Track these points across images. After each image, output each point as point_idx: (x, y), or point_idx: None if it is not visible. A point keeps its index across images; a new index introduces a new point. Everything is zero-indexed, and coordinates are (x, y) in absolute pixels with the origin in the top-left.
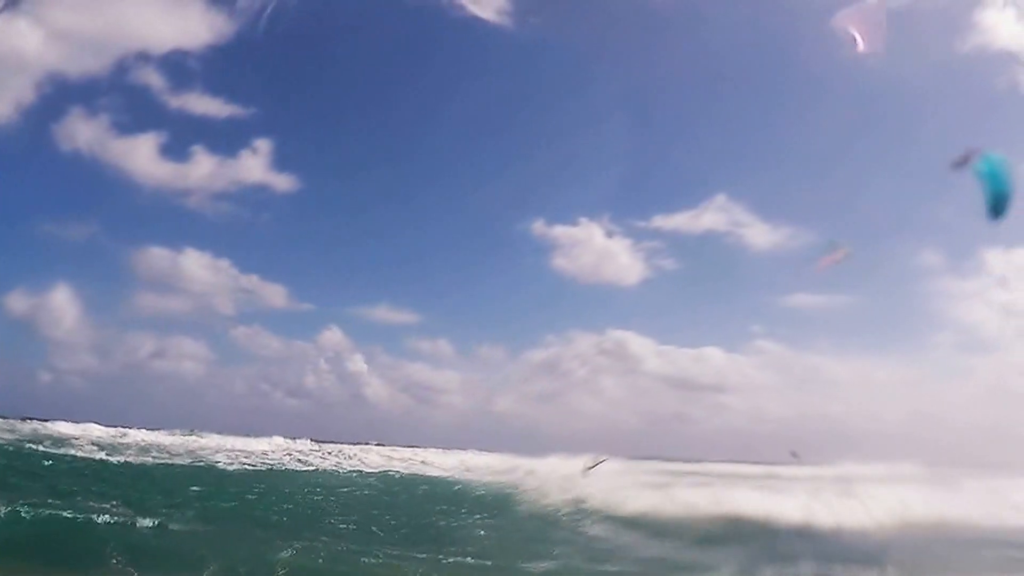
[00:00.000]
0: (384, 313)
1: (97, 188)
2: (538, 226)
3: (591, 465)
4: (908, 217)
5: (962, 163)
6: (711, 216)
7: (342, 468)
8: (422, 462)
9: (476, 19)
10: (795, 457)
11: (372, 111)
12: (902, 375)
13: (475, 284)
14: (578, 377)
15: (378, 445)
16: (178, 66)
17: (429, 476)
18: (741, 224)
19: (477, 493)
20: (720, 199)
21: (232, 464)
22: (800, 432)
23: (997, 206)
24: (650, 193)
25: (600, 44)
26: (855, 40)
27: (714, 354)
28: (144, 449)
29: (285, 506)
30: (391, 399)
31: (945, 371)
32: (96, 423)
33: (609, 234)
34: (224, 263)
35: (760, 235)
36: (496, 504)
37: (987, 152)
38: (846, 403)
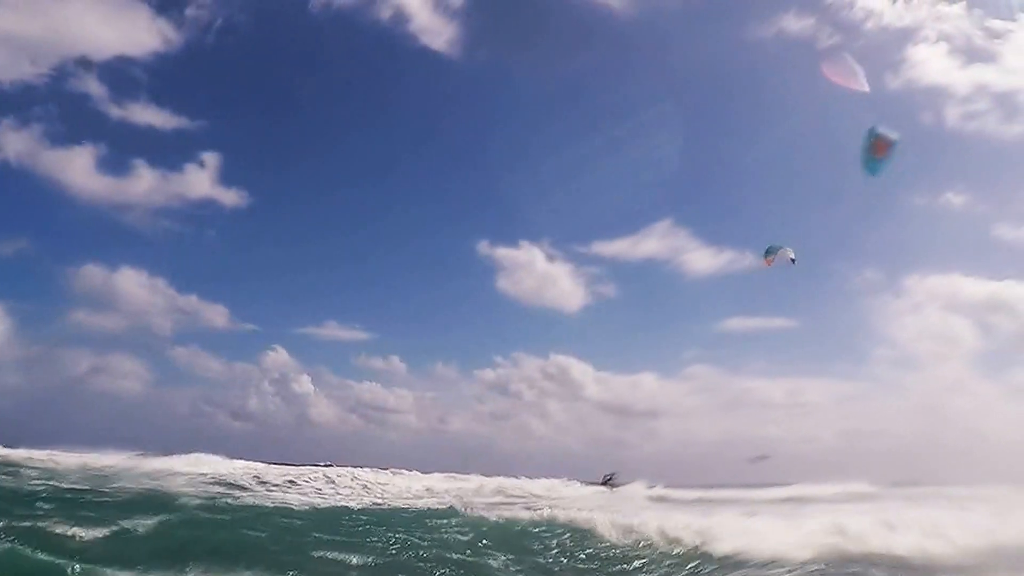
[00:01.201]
0: (333, 331)
1: (28, 201)
2: (483, 247)
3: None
4: (846, 240)
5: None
6: (652, 242)
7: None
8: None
9: (428, 49)
10: (760, 459)
11: (324, 131)
12: (838, 393)
13: (425, 301)
14: (527, 399)
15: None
16: (121, 74)
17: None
18: (683, 249)
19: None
20: (665, 224)
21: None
22: (731, 454)
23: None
24: (591, 219)
25: (546, 74)
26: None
27: (649, 380)
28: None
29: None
30: (340, 420)
31: (881, 388)
32: (26, 447)
33: (550, 258)
34: (161, 282)
35: (702, 260)
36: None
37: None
38: (779, 424)
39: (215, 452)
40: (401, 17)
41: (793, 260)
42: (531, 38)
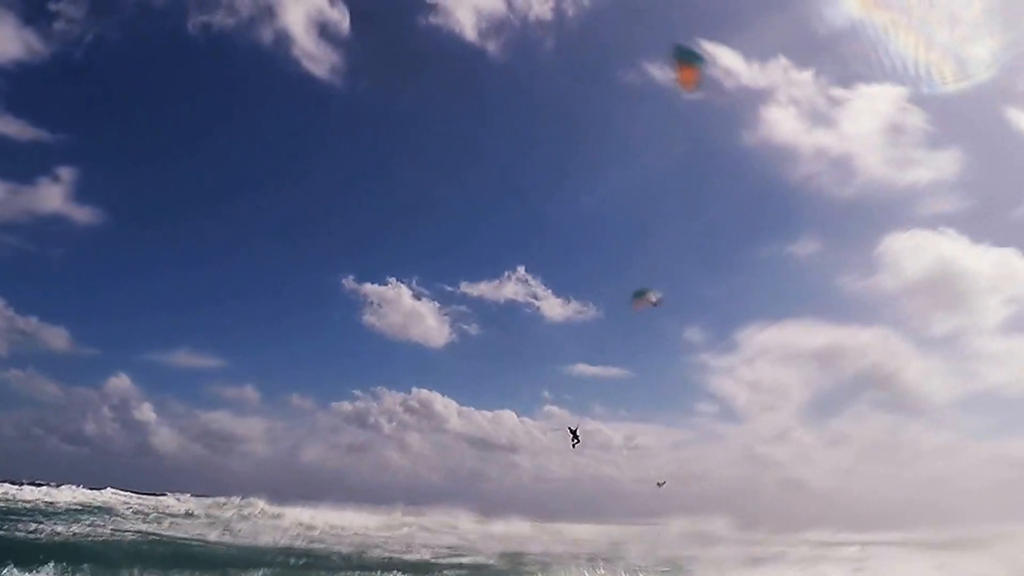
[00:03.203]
0: (184, 358)
1: None
2: (348, 282)
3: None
4: (682, 296)
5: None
6: (512, 286)
7: None
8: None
9: (309, 76)
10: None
11: (192, 153)
12: (669, 440)
13: (286, 333)
14: (386, 432)
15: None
16: None
17: None
18: (538, 296)
19: None
20: (520, 271)
21: None
22: (579, 491)
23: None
24: (459, 259)
25: (424, 112)
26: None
27: (509, 417)
28: None
29: None
30: (182, 448)
31: (705, 436)
32: None
33: (417, 295)
34: None
35: (553, 308)
36: None
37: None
38: (617, 466)
39: (40, 476)
40: (283, 41)
41: (655, 303)
42: (411, 74)
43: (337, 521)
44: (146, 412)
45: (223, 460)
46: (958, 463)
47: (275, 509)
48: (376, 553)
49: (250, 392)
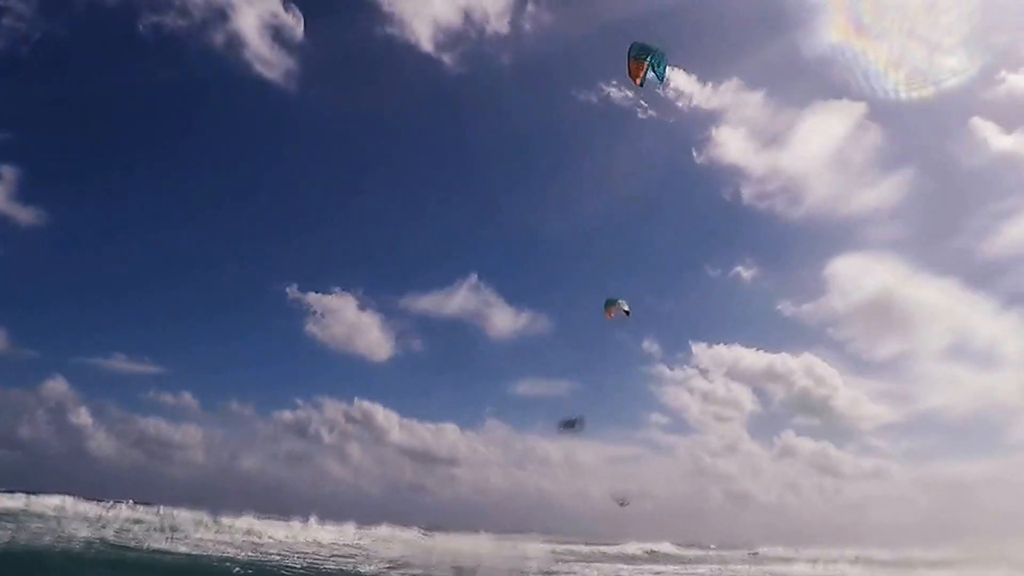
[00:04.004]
0: (121, 363)
1: None
2: (292, 291)
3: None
4: (635, 310)
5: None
6: (463, 296)
7: None
8: None
9: (261, 79)
10: (622, 503)
11: (139, 155)
12: (610, 456)
13: (227, 340)
14: (327, 442)
15: None
16: None
17: None
18: (488, 306)
19: None
20: (472, 280)
21: None
22: (518, 505)
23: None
24: (405, 270)
25: (376, 121)
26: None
27: (451, 430)
28: None
29: None
30: (120, 453)
31: (654, 452)
32: None
33: (362, 307)
34: None
35: (503, 320)
36: None
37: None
38: (555, 481)
39: None
40: (235, 44)
41: (627, 312)
42: (365, 83)
43: (285, 533)
44: (82, 416)
45: (160, 467)
46: (893, 485)
47: (222, 519)
48: (328, 567)
49: (188, 399)
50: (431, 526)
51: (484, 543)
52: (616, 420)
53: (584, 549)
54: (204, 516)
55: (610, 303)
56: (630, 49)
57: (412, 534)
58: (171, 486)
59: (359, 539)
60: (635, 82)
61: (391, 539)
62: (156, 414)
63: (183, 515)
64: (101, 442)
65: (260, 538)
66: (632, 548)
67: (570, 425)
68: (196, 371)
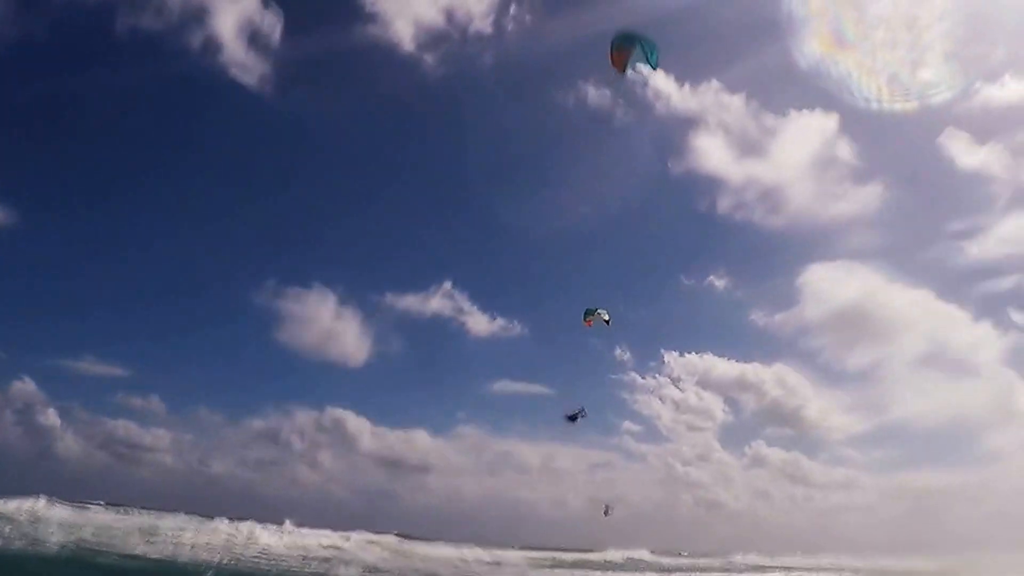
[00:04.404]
0: (90, 365)
1: None
2: (266, 297)
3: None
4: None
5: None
6: (438, 301)
7: None
8: None
9: (236, 83)
10: (607, 512)
11: (111, 155)
12: (588, 461)
13: (198, 345)
14: (297, 449)
15: None
16: None
17: None
18: (463, 311)
19: None
20: (447, 286)
21: None
22: (491, 514)
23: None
24: (380, 275)
25: (356, 121)
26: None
27: (422, 436)
28: None
29: None
30: (88, 455)
31: (627, 458)
32: None
33: (339, 311)
34: None
35: (479, 323)
36: None
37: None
38: (533, 488)
39: None
40: (212, 48)
41: (607, 321)
42: (344, 84)
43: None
44: (51, 418)
45: (130, 469)
46: (863, 494)
47: (201, 524)
48: (305, 571)
49: (156, 402)
50: (403, 533)
51: (464, 551)
52: (590, 426)
53: (567, 557)
54: (177, 519)
55: (589, 312)
56: (613, 39)
57: (390, 539)
58: (140, 489)
59: (336, 543)
60: (618, 71)
61: (369, 544)
62: (124, 417)
63: (156, 519)
64: (69, 444)
65: (236, 540)
66: (613, 555)
67: (574, 419)
68: (165, 374)
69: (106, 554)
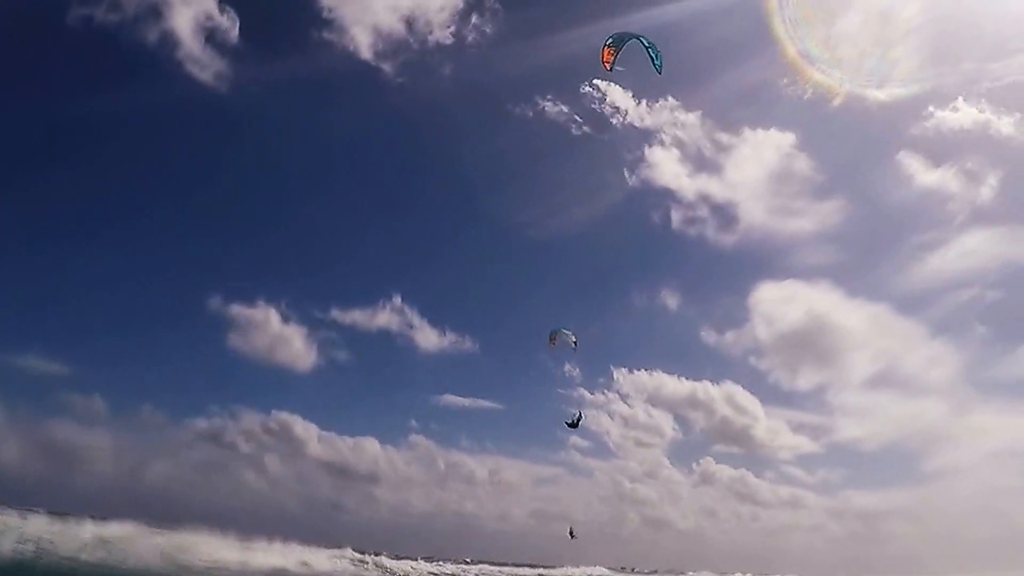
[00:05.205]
0: (31, 362)
1: None
2: (214, 298)
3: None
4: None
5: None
6: (387, 315)
7: None
8: None
9: (192, 79)
10: (572, 536)
11: (57, 148)
12: (533, 475)
13: (143, 344)
14: (242, 452)
15: None
16: None
17: None
18: (413, 326)
19: None
20: (396, 300)
21: None
22: (438, 527)
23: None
24: (331, 284)
25: (310, 127)
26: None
27: (372, 445)
28: None
29: None
30: (23, 456)
31: (573, 472)
32: None
33: (285, 318)
34: None
35: (428, 338)
36: None
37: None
38: (479, 501)
39: None
40: (168, 42)
41: (575, 344)
42: (300, 89)
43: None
44: None
45: (66, 474)
46: (809, 513)
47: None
48: None
49: (98, 401)
50: (344, 542)
51: (423, 566)
52: (537, 440)
53: (527, 573)
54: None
55: (555, 333)
56: (607, 38)
57: (347, 553)
58: (75, 491)
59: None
60: (606, 67)
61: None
62: (64, 416)
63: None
64: (4, 442)
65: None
66: (572, 572)
67: (574, 425)
68: (108, 374)
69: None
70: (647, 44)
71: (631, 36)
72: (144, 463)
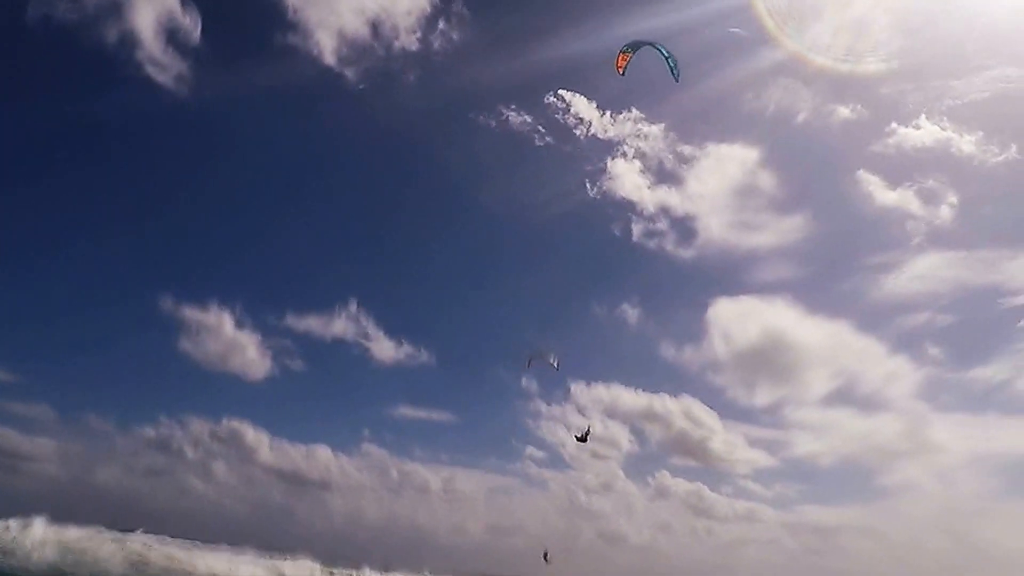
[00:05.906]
0: None
1: None
2: (165, 303)
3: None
4: (513, 346)
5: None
6: (342, 323)
7: None
8: None
9: (151, 81)
10: (547, 560)
11: (11, 147)
12: (489, 486)
13: (91, 350)
14: (190, 459)
15: None
16: None
17: None
18: (368, 336)
19: None
20: (352, 307)
21: None
22: (392, 539)
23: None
24: (285, 290)
25: (270, 131)
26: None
27: (324, 452)
28: None
29: None
30: None
31: (528, 483)
32: None
33: (239, 325)
34: None
35: (384, 349)
36: None
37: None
38: (433, 514)
39: None
40: (128, 43)
41: (556, 366)
42: (261, 93)
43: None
44: None
45: (7, 479)
46: (764, 528)
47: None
48: None
49: (45, 409)
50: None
51: None
52: (493, 451)
53: None
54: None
55: (533, 356)
56: (624, 45)
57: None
58: (18, 498)
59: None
60: (619, 72)
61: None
62: (7, 424)
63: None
64: None
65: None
66: None
67: (583, 439)
68: (55, 381)
69: None
70: (666, 55)
71: (647, 43)
72: (89, 469)
